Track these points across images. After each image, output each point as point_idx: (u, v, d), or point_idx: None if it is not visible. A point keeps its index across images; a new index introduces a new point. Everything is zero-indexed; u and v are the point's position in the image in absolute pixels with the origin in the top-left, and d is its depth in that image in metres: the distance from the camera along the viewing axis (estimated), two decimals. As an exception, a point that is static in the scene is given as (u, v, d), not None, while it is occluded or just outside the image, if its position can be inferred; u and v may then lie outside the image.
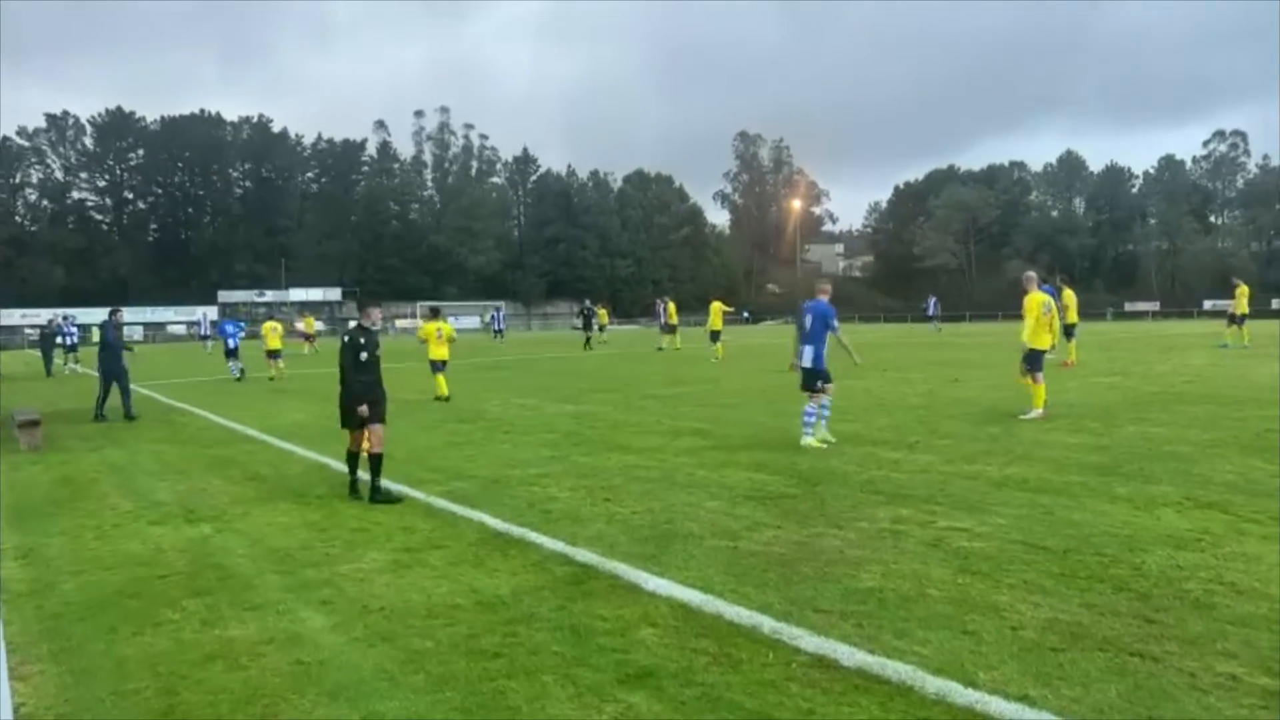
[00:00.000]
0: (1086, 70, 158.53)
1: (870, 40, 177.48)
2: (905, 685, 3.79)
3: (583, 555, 5.88)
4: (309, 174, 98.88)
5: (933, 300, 51.18)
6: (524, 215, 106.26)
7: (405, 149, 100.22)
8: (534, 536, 6.42)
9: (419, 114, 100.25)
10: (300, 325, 43.96)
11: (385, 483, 8.04)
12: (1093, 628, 4.36)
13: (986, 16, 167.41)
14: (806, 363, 10.17)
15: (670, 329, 33.61)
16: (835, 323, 10.31)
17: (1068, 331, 20.67)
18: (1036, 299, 12.02)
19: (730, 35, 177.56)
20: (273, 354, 24.62)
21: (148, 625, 4.87)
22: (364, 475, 8.11)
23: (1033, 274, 12.82)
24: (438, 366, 16.48)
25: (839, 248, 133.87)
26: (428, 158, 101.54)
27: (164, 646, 4.56)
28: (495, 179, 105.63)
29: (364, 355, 8.01)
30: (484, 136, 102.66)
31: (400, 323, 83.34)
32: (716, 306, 27.72)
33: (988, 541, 5.94)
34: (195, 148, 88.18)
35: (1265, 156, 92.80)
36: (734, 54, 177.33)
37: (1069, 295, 21.11)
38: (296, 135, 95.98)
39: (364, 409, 7.90)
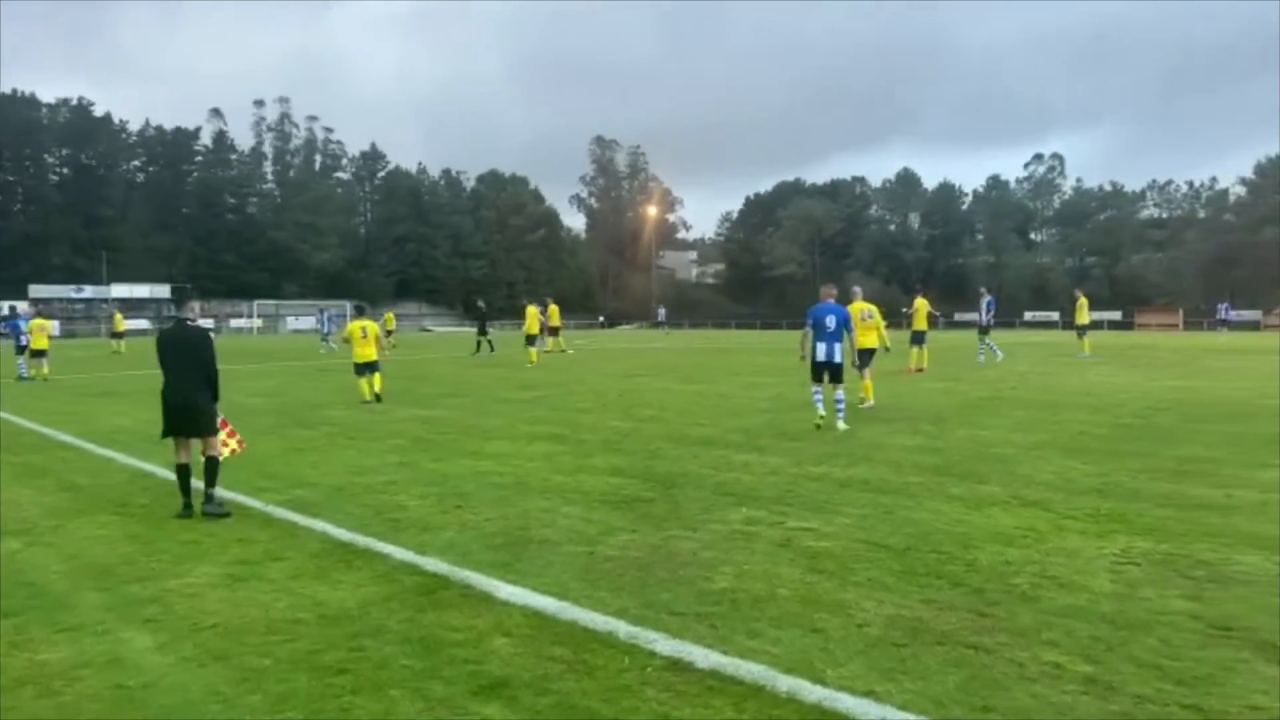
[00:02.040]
0: (927, 93, 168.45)
1: (726, 56, 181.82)
2: (758, 685, 3.84)
3: (433, 565, 5.69)
4: (135, 162, 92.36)
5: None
6: (371, 212, 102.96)
7: (244, 140, 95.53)
8: (381, 546, 6.17)
9: (259, 104, 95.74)
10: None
11: (219, 491, 7.46)
12: (932, 622, 4.55)
13: (839, 39, 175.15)
14: (822, 357, 11.52)
15: (553, 331, 33.53)
16: (852, 323, 12.20)
17: (918, 338, 21.83)
18: (854, 307, 13.65)
19: (591, 42, 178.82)
20: (38, 354, 22.86)
21: (-59, 653, 4.38)
22: (197, 484, 7.48)
23: (858, 289, 15.02)
24: (363, 369, 15.79)
25: (692, 255, 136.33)
26: (268, 150, 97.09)
27: (-40, 676, 4.11)
28: (341, 174, 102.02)
29: (179, 353, 7.39)
30: (329, 130, 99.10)
31: (235, 322, 79.29)
32: (533, 311, 27.73)
33: (834, 541, 6.13)
34: (4, 130, 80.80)
35: (1079, 179, 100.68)
36: (594, 61, 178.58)
37: (920, 304, 22.19)
38: (121, 121, 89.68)
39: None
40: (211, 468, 7.42)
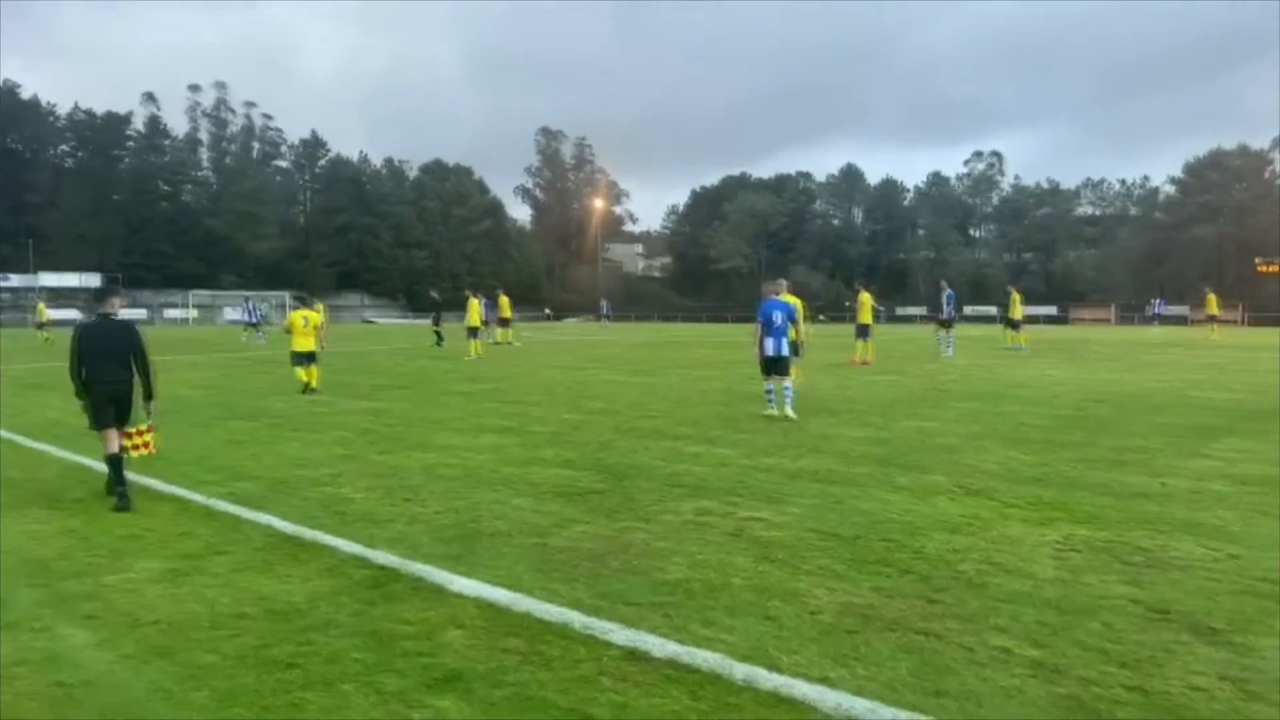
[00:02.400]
0: (871, 90, 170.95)
1: (673, 49, 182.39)
2: (714, 673, 3.85)
3: (383, 557, 5.61)
4: (64, 147, 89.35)
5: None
6: (311, 201, 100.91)
7: (179, 126, 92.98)
8: (328, 539, 6.06)
9: (194, 88, 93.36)
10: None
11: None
12: (882, 609, 4.61)
13: (786, 35, 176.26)
14: (771, 352, 11.87)
15: (504, 323, 33.34)
16: (797, 317, 12.58)
17: (863, 331, 22.15)
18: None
19: (538, 32, 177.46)
20: None
21: None
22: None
23: (781, 281, 14.75)
24: (302, 358, 15.81)
25: (639, 248, 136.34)
26: (204, 136, 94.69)
27: (-114, 677, 3.94)
28: (280, 162, 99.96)
29: (105, 347, 7.36)
30: (268, 116, 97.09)
31: (170, 312, 77.35)
32: (475, 303, 27.57)
33: (785, 530, 6.18)
34: (-76, 112, 77.70)
35: (1017, 176, 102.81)
36: (540, 51, 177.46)
37: (865, 298, 22.52)
38: (49, 104, 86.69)
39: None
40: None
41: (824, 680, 3.77)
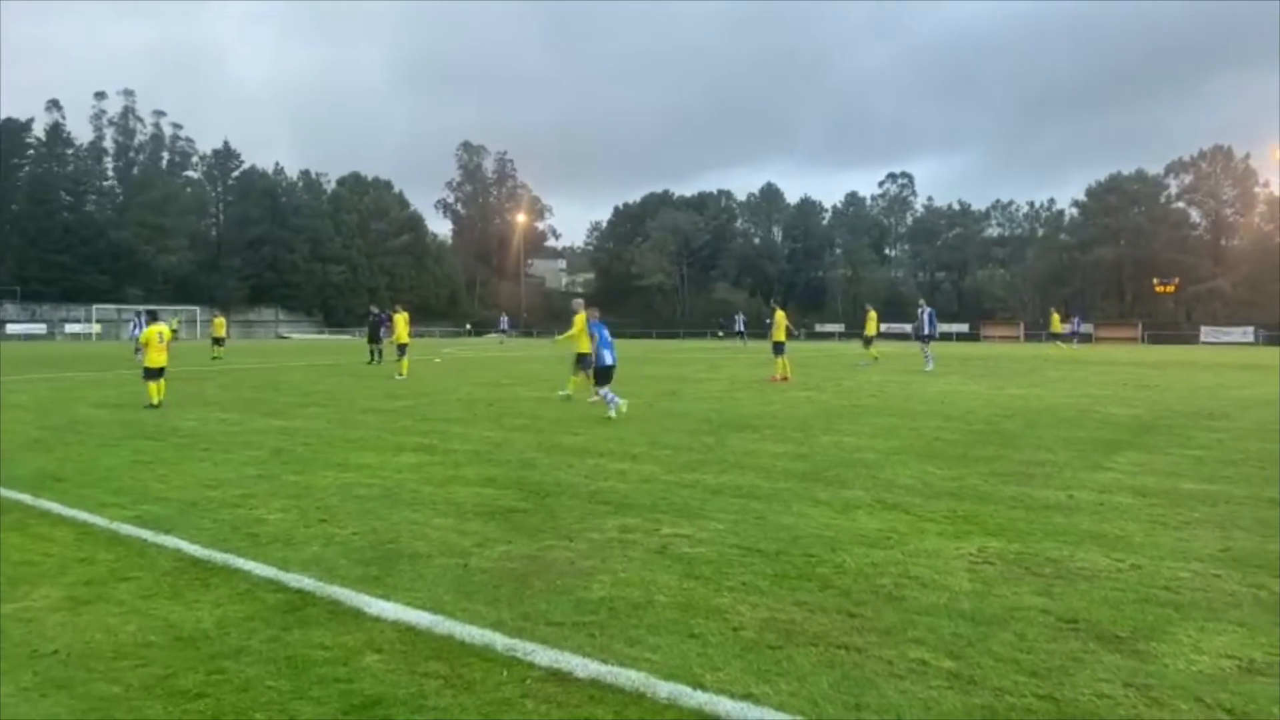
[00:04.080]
0: (790, 113, 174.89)
1: (599, 66, 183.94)
2: (638, 692, 3.83)
3: (297, 580, 5.44)
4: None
5: (739, 317, 55.73)
6: (223, 213, 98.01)
7: (83, 134, 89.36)
8: (240, 562, 5.86)
9: (100, 95, 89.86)
10: None
11: None
12: (804, 624, 4.66)
13: (712, 55, 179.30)
14: (610, 361, 14.51)
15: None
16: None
17: (778, 348, 22.52)
18: (580, 318, 16.22)
19: (459, 46, 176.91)
20: None
21: None
22: None
23: (580, 300, 17.48)
24: (154, 373, 15.82)
25: (562, 263, 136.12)
26: (109, 145, 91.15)
27: None
28: (190, 173, 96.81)
29: None
30: (178, 126, 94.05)
31: (71, 327, 74.18)
32: (400, 319, 27.13)
33: (708, 547, 6.21)
34: None
35: (929, 198, 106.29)
36: (462, 65, 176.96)
37: (780, 317, 22.96)
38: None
39: None
40: None
41: (748, 697, 3.78)
